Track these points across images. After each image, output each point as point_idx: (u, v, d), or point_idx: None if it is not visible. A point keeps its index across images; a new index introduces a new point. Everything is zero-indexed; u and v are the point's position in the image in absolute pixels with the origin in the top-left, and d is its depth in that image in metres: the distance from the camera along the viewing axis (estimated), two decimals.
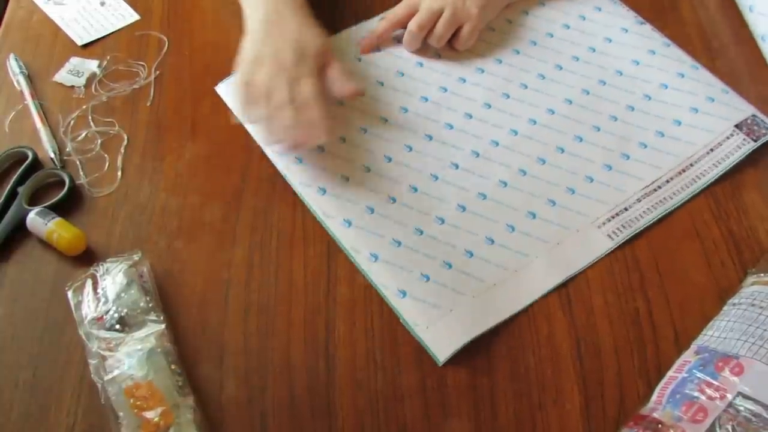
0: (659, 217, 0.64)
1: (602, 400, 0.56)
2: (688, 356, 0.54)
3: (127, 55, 0.77)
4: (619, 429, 0.53)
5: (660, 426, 0.50)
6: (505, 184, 0.66)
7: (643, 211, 0.65)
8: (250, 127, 0.70)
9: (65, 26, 0.80)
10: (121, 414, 0.53)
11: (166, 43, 0.78)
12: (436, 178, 0.67)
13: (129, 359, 0.55)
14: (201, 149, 0.70)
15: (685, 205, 0.66)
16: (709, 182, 0.66)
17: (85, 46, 0.78)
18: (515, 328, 0.59)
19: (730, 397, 0.49)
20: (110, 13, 0.81)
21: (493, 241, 0.63)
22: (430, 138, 0.69)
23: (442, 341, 0.58)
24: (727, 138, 0.69)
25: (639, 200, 0.65)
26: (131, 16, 0.81)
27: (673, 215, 0.65)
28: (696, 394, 0.50)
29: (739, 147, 0.68)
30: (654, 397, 0.53)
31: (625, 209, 0.65)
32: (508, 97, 0.72)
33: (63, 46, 0.78)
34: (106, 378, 0.54)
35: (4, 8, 0.83)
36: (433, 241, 0.63)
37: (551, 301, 0.61)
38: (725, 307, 0.57)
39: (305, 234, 0.65)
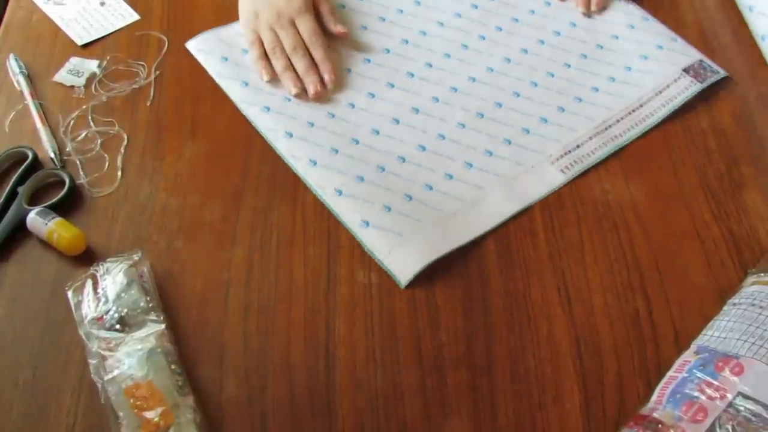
0: (609, 153, 0.69)
1: (602, 400, 0.56)
2: (688, 356, 0.54)
3: (127, 55, 0.77)
4: (619, 429, 0.53)
5: (660, 426, 0.50)
6: (464, 125, 0.71)
7: (595, 148, 0.69)
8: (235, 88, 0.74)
9: (65, 26, 0.80)
10: (121, 414, 0.53)
11: (166, 43, 0.78)
12: (397, 121, 0.71)
13: (129, 359, 0.55)
14: (201, 149, 0.70)
15: (685, 205, 0.66)
16: (658, 121, 0.71)
17: (85, 46, 0.78)
18: (515, 328, 0.59)
19: (730, 397, 0.49)
20: (110, 13, 0.81)
21: (451, 177, 0.67)
22: (392, 86, 0.74)
23: (404, 265, 0.61)
24: (675, 80, 0.74)
25: (590, 138, 0.70)
26: (131, 16, 0.81)
27: (674, 215, 0.65)
28: (696, 394, 0.50)
29: (687, 88, 0.73)
30: (654, 397, 0.53)
31: (577, 146, 0.69)
32: (467, 47, 0.77)
33: (63, 46, 0.78)
34: (106, 378, 0.54)
35: (4, 8, 0.83)
36: (394, 177, 0.67)
37: (551, 301, 0.61)
38: (725, 307, 0.57)
39: (305, 234, 0.65)
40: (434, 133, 0.70)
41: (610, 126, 0.71)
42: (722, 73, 0.74)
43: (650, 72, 0.75)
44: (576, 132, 0.70)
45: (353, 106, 0.72)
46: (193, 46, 0.77)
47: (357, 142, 0.69)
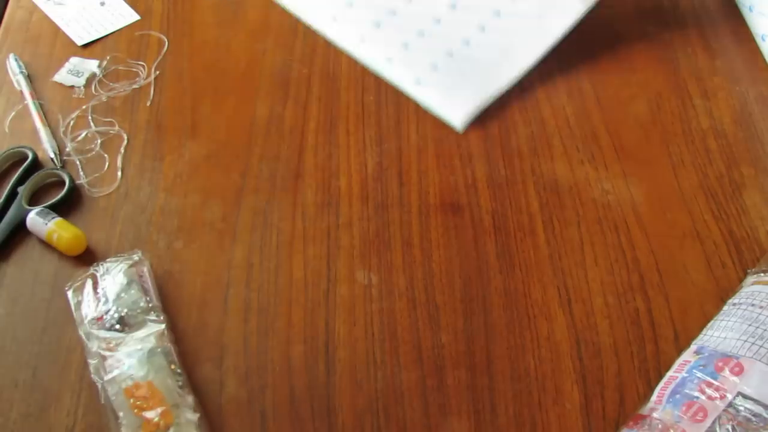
0: None
1: (602, 400, 0.56)
2: (688, 356, 0.54)
3: (127, 55, 0.77)
4: (619, 429, 0.53)
5: (660, 426, 0.50)
6: None
7: None
8: None
9: (65, 26, 0.80)
10: (121, 414, 0.53)
11: (166, 43, 0.78)
12: None
13: (129, 359, 0.55)
14: (201, 149, 0.70)
15: (685, 205, 0.66)
16: None
17: (85, 46, 0.78)
18: (515, 328, 0.59)
19: (730, 397, 0.49)
20: (110, 13, 0.81)
21: (483, 29, 0.75)
22: None
23: (459, 110, 0.69)
24: None
25: None
26: (131, 16, 0.81)
27: (674, 215, 0.65)
28: (696, 394, 0.50)
29: None
30: (654, 397, 0.53)
31: None
32: None
33: (63, 46, 0.78)
34: (106, 378, 0.54)
35: (4, 8, 0.83)
36: (432, 39, 0.75)
37: (551, 301, 0.61)
38: (725, 307, 0.57)
39: (305, 234, 0.65)
40: None
41: None
42: None
43: None
44: None
45: None
46: None
47: (394, 13, 0.77)
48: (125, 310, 0.57)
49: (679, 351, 0.56)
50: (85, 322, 0.57)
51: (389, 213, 0.66)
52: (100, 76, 0.76)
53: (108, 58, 0.77)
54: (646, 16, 0.81)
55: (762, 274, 0.59)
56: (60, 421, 0.55)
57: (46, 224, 0.63)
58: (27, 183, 0.67)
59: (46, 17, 0.81)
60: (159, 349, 0.56)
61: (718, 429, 0.48)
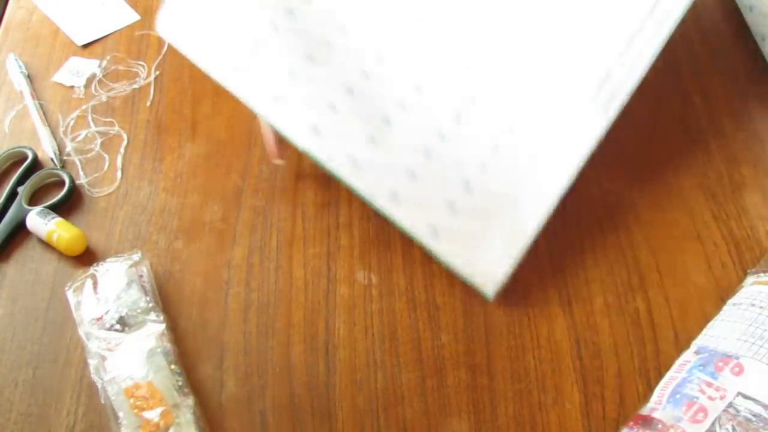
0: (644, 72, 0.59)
1: (602, 400, 0.56)
2: (688, 356, 0.54)
3: (127, 55, 0.77)
4: (619, 429, 0.53)
5: (660, 426, 0.50)
6: (474, 99, 0.61)
7: (629, 71, 0.59)
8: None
9: (65, 26, 0.80)
10: (121, 414, 0.53)
11: (166, 43, 0.78)
12: (414, 102, 0.61)
13: (129, 359, 0.55)
14: (201, 149, 0.70)
15: (685, 206, 0.66)
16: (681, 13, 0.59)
17: (85, 46, 0.78)
18: (515, 328, 0.59)
19: (730, 397, 0.49)
20: (110, 13, 0.81)
21: (497, 148, 0.59)
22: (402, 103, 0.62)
23: (490, 277, 0.56)
24: None
25: (620, 56, 0.59)
26: (131, 16, 0.81)
27: (674, 215, 0.65)
28: (696, 394, 0.50)
29: None
30: (654, 397, 0.53)
31: (608, 74, 0.59)
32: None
33: (63, 46, 0.78)
34: (106, 378, 0.54)
35: (4, 8, 0.83)
36: (442, 163, 0.59)
37: (551, 301, 0.61)
38: (725, 307, 0.57)
39: (305, 234, 0.65)
40: (452, 113, 0.60)
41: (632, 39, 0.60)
42: None
43: None
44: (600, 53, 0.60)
45: (388, 123, 0.61)
46: (164, 27, 0.63)
47: (388, 122, 0.59)
48: (125, 310, 0.57)
49: (679, 351, 0.56)
50: (85, 322, 0.57)
51: None
52: (100, 76, 0.76)
53: (108, 58, 0.77)
54: None
55: (762, 274, 0.59)
56: (60, 421, 0.55)
57: (46, 224, 0.63)
58: (27, 183, 0.67)
59: (46, 17, 0.81)
60: (159, 349, 0.56)
61: (718, 429, 0.48)
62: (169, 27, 0.61)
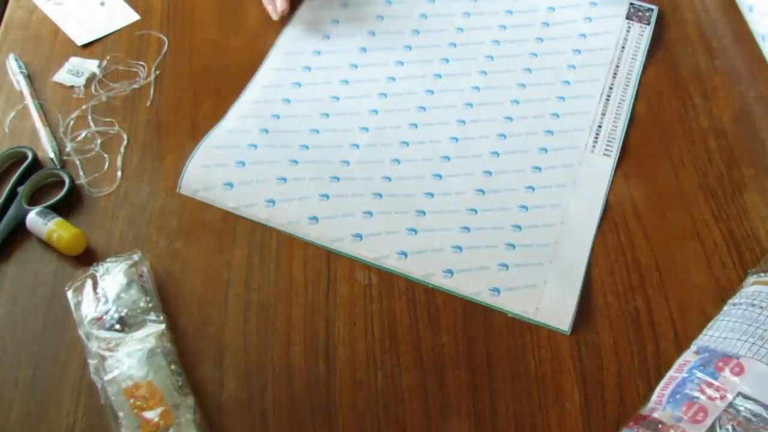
0: (628, 119, 0.72)
1: (602, 400, 0.56)
2: (688, 356, 0.54)
3: (127, 55, 0.77)
4: (619, 429, 0.53)
5: (660, 426, 0.50)
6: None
7: (614, 120, 0.72)
8: None
9: (65, 26, 0.80)
10: (120, 414, 0.53)
11: (166, 43, 0.78)
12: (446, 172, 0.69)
13: (129, 359, 0.55)
14: None
15: (685, 206, 0.66)
16: (639, 75, 0.75)
17: (85, 46, 0.78)
18: (515, 328, 0.59)
19: (730, 397, 0.49)
20: (110, 13, 0.81)
21: (526, 209, 0.66)
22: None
23: (558, 312, 0.60)
24: (627, 31, 0.79)
25: (603, 114, 0.72)
26: (131, 16, 0.81)
27: (674, 215, 0.65)
28: (696, 394, 0.50)
29: (641, 35, 0.78)
30: (654, 397, 0.53)
31: (599, 126, 0.71)
32: (432, 92, 0.74)
33: (63, 46, 0.78)
34: (105, 378, 0.54)
35: (4, 8, 0.83)
36: (482, 231, 0.65)
37: None
38: (725, 307, 0.57)
39: None
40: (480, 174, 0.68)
41: (608, 97, 0.74)
42: (653, 7, 0.80)
43: (603, 32, 0.78)
44: (587, 113, 0.72)
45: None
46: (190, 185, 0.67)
47: (423, 214, 0.65)
48: (125, 310, 0.57)
49: (679, 351, 0.56)
50: (85, 322, 0.57)
51: None
52: (100, 76, 0.76)
53: (108, 58, 0.77)
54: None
55: (762, 274, 0.59)
56: (60, 421, 0.55)
57: (46, 224, 0.63)
58: (27, 183, 0.67)
59: (46, 17, 0.81)
60: (159, 349, 0.56)
61: (718, 429, 0.48)
62: (191, 188, 0.68)
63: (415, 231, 0.64)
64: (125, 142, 0.70)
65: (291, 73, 0.75)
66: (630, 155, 0.70)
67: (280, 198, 0.65)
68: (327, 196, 0.66)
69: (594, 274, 0.62)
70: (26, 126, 0.71)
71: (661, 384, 0.54)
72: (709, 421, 0.48)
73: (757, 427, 0.47)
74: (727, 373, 0.50)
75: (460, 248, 0.63)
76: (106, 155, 0.70)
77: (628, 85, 0.74)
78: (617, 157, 0.69)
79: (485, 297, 0.60)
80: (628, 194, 0.67)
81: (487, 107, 0.73)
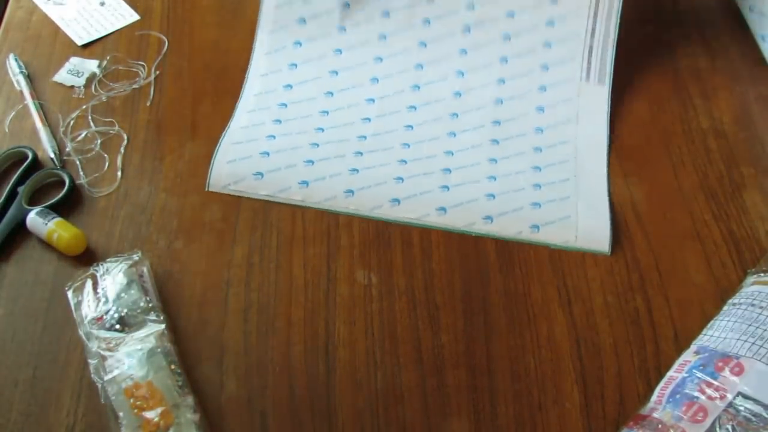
0: (616, 39, 0.72)
1: (602, 400, 0.56)
2: (688, 356, 0.54)
3: (127, 55, 0.77)
4: (619, 429, 0.53)
5: (660, 426, 0.50)
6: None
7: (603, 41, 0.72)
8: None
9: (65, 26, 0.80)
10: (121, 414, 0.53)
11: (166, 43, 0.78)
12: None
13: (129, 359, 0.55)
14: (201, 149, 0.70)
15: (685, 206, 0.66)
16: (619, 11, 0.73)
17: (85, 46, 0.78)
18: (515, 328, 0.59)
19: (730, 397, 0.49)
20: (110, 13, 0.81)
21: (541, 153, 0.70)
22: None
23: (595, 238, 0.64)
24: None
25: (592, 33, 0.73)
26: (131, 16, 0.81)
27: (674, 215, 0.65)
28: (696, 394, 0.50)
29: None
30: (654, 397, 0.53)
31: (590, 49, 0.73)
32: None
33: (63, 46, 0.78)
34: (105, 378, 0.54)
35: (4, 8, 0.83)
36: (509, 185, 0.68)
37: (551, 300, 0.61)
38: (725, 307, 0.57)
39: (305, 234, 0.65)
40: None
41: (595, 13, 0.73)
42: None
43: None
44: (577, 36, 0.73)
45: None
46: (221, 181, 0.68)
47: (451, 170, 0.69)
48: (125, 310, 0.57)
49: (679, 351, 0.56)
50: (85, 322, 0.57)
51: None
52: (100, 76, 0.76)
53: (108, 58, 0.77)
54: (646, 16, 0.81)
55: (762, 274, 0.59)
56: (60, 421, 0.55)
57: (46, 224, 0.63)
58: (27, 183, 0.67)
59: (46, 17, 0.81)
60: (159, 349, 0.56)
61: (718, 429, 0.48)
62: (220, 183, 0.68)
63: (447, 188, 0.67)
64: (125, 142, 0.70)
65: (284, 55, 0.76)
66: (630, 155, 0.70)
67: (312, 179, 0.67)
68: (356, 170, 0.68)
69: (594, 273, 0.62)
70: (26, 126, 0.71)
71: (661, 384, 0.54)
72: (709, 421, 0.48)
73: (757, 427, 0.47)
74: (726, 373, 0.50)
75: (492, 195, 0.66)
76: (106, 155, 0.70)
77: (610, 17, 0.73)
78: (611, 84, 0.72)
79: (527, 235, 0.64)
80: (628, 194, 0.67)
81: (481, 51, 0.74)
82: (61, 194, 0.66)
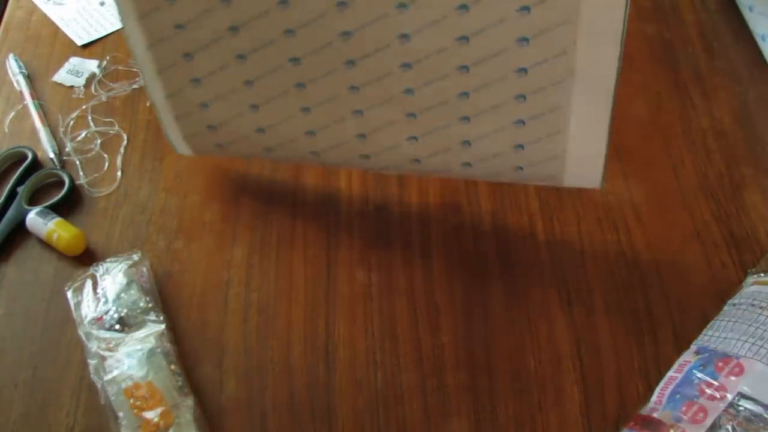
0: None
1: (602, 400, 0.56)
2: (688, 356, 0.54)
3: (126, 55, 0.77)
4: (619, 429, 0.53)
5: (660, 426, 0.50)
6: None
7: None
8: None
9: (65, 26, 0.80)
10: (120, 414, 0.53)
11: None
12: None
13: (129, 359, 0.55)
14: None
15: (685, 206, 0.66)
16: None
17: (85, 46, 0.78)
18: (515, 328, 0.59)
19: (730, 397, 0.49)
20: (110, 13, 0.81)
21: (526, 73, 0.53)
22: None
23: (586, 174, 0.57)
24: None
25: None
26: None
27: (674, 215, 0.65)
28: (696, 394, 0.50)
29: None
30: (654, 398, 0.53)
31: None
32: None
33: (62, 46, 0.78)
34: (105, 378, 0.54)
35: (4, 8, 0.83)
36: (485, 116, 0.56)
37: (551, 301, 0.61)
38: (725, 307, 0.57)
39: (305, 234, 0.65)
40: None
41: None
42: None
43: None
44: None
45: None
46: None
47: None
48: (125, 310, 0.57)
49: (679, 351, 0.56)
50: (85, 322, 0.57)
51: (389, 213, 0.66)
52: (100, 76, 0.76)
53: (108, 58, 0.77)
54: (646, 16, 0.81)
55: (762, 275, 0.59)
56: (60, 421, 0.55)
57: (46, 224, 0.63)
58: (27, 183, 0.67)
59: (46, 17, 0.81)
60: (159, 349, 0.56)
61: (718, 429, 0.48)
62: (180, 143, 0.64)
63: (416, 138, 0.58)
64: (125, 142, 0.70)
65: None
66: (630, 155, 0.70)
67: (266, 125, 0.60)
68: (308, 109, 0.58)
69: (594, 274, 0.62)
70: (26, 126, 0.71)
71: (661, 384, 0.54)
72: (709, 421, 0.48)
73: (757, 427, 0.47)
74: (726, 373, 0.50)
75: (468, 143, 0.57)
76: (106, 155, 0.70)
77: None
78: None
79: (510, 177, 0.59)
80: (628, 194, 0.67)
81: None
82: (61, 194, 0.66)
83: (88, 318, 0.57)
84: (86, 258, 0.63)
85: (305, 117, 0.59)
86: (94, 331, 0.56)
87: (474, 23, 0.52)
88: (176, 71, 0.59)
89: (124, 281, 0.59)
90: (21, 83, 0.74)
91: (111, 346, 0.56)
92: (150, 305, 0.58)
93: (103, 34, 0.79)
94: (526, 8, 0.50)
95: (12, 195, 0.66)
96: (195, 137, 0.64)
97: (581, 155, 0.57)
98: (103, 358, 0.55)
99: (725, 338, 0.53)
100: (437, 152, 0.59)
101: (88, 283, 0.59)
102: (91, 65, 0.76)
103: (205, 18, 0.55)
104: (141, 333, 0.56)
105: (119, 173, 0.68)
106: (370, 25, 0.54)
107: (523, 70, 0.52)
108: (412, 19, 0.52)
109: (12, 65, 0.76)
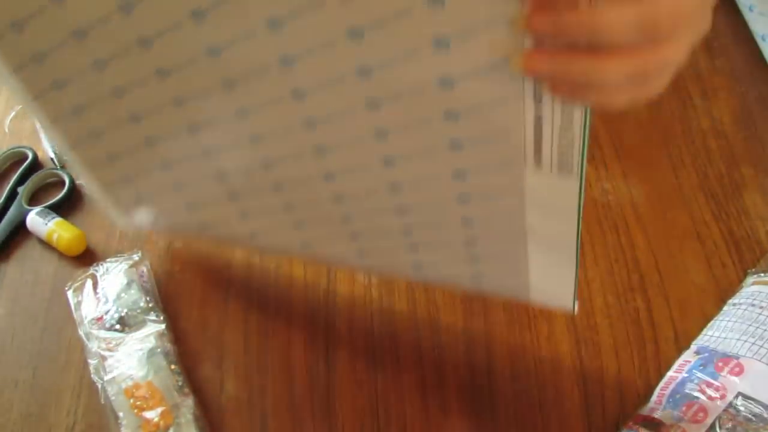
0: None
1: (602, 400, 0.56)
2: (688, 356, 0.54)
3: None
4: (619, 429, 0.53)
5: (660, 426, 0.50)
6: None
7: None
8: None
9: None
10: (121, 414, 0.53)
11: None
12: None
13: (129, 359, 0.55)
14: None
15: (685, 206, 0.66)
16: None
17: None
18: (515, 328, 0.59)
19: (730, 397, 0.49)
20: None
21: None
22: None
23: (557, 291, 0.50)
24: None
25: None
26: None
27: (674, 215, 0.65)
28: (696, 394, 0.50)
29: None
30: (654, 397, 0.53)
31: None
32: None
33: None
34: (105, 378, 0.54)
35: None
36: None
37: None
38: (725, 307, 0.57)
39: None
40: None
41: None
42: None
43: None
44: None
45: None
46: None
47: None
48: (125, 310, 0.57)
49: (679, 351, 0.56)
50: (85, 322, 0.57)
51: None
52: None
53: None
54: None
55: (762, 275, 0.59)
56: (60, 421, 0.55)
57: (46, 224, 0.63)
58: (27, 183, 0.67)
59: None
60: (159, 349, 0.56)
61: (718, 429, 0.48)
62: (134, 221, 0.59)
63: (362, 253, 0.54)
64: None
65: None
66: (630, 155, 0.70)
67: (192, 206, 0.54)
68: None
69: (594, 274, 0.62)
70: (26, 126, 0.71)
71: (661, 384, 0.54)
72: (709, 421, 0.48)
73: (757, 427, 0.47)
74: (726, 372, 0.50)
75: (419, 265, 0.54)
76: None
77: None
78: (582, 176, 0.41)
79: (470, 287, 0.54)
80: (628, 194, 0.67)
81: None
82: (61, 194, 0.66)
83: (89, 318, 0.57)
84: (86, 258, 0.63)
85: (244, 221, 0.54)
86: (95, 331, 0.56)
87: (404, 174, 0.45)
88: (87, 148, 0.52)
89: (125, 281, 0.59)
90: None
91: (111, 345, 0.56)
92: (150, 305, 0.58)
93: None
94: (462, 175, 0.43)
95: (12, 195, 0.66)
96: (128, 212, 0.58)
97: (546, 289, 0.51)
98: (104, 358, 0.55)
99: (725, 338, 0.53)
100: (388, 266, 0.56)
101: (89, 283, 0.59)
102: None
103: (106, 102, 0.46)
104: (141, 333, 0.56)
105: None
106: (293, 167, 0.47)
107: (469, 221, 0.47)
108: (335, 163, 0.46)
109: None
